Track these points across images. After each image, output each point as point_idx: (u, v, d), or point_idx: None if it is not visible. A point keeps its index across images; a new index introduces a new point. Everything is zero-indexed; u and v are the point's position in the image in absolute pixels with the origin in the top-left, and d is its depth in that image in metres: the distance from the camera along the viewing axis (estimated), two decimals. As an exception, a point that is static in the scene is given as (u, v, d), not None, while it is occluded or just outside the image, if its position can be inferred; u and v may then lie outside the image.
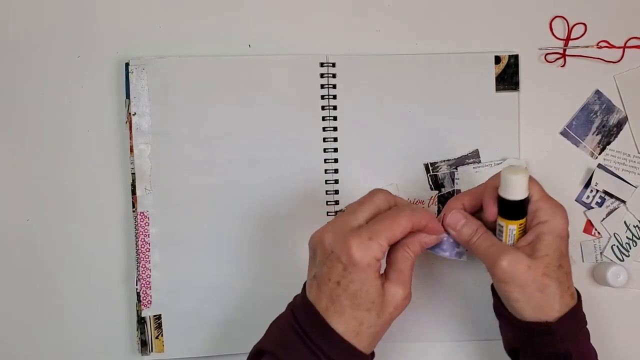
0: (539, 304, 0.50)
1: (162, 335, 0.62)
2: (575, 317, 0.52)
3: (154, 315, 0.61)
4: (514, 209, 0.51)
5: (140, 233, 0.61)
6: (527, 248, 0.51)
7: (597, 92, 0.65)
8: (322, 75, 0.63)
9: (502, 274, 0.50)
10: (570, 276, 0.52)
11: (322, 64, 0.63)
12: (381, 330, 0.50)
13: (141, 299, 0.61)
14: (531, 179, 0.52)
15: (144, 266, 0.61)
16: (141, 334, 0.61)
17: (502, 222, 0.52)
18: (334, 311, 0.48)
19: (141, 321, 0.61)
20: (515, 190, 0.50)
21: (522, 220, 0.52)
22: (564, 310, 0.50)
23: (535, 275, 0.49)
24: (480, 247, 0.52)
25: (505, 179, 0.50)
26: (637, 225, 0.64)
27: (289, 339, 0.49)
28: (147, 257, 0.61)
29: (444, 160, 0.63)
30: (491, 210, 0.53)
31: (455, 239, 0.54)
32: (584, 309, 0.65)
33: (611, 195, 0.64)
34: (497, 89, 0.64)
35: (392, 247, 0.52)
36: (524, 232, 0.53)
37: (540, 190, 0.53)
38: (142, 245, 0.61)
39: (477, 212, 0.55)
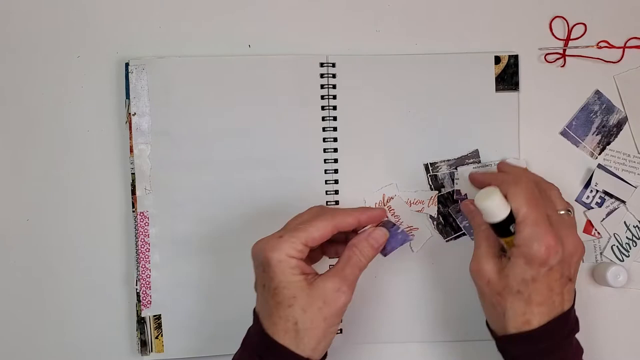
0: (489, 315, 0.54)
1: (161, 336, 0.62)
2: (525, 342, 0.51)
3: (154, 315, 0.61)
4: (496, 229, 0.52)
5: (140, 233, 0.61)
6: (505, 262, 0.52)
7: (597, 92, 0.65)
8: (322, 76, 0.63)
9: (470, 273, 0.54)
10: (534, 306, 0.50)
11: (322, 64, 0.63)
12: (317, 329, 0.49)
13: (141, 299, 0.61)
14: (516, 198, 0.51)
15: (143, 266, 0.61)
16: (141, 334, 0.61)
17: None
18: (264, 314, 0.50)
19: (141, 321, 0.61)
20: (489, 215, 0.51)
21: (509, 238, 0.51)
22: (508, 332, 0.51)
23: (491, 291, 0.52)
24: (476, 240, 0.55)
25: (478, 206, 0.51)
26: (637, 226, 0.64)
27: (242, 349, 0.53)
28: (146, 257, 0.61)
29: (444, 161, 0.63)
30: None
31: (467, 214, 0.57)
32: (584, 309, 0.65)
33: (611, 196, 0.64)
34: (497, 89, 0.64)
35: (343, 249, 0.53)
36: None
37: (527, 213, 0.50)
38: (142, 245, 0.61)
39: None
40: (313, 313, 0.49)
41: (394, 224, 0.55)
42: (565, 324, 0.52)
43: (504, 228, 0.51)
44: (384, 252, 0.55)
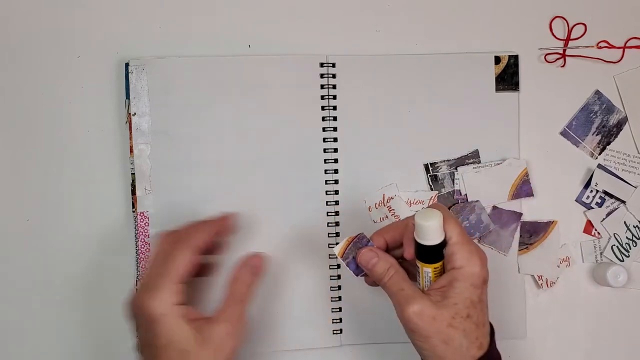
0: (442, 356, 0.48)
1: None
2: None
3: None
4: (428, 253, 0.49)
5: (140, 233, 0.61)
6: (438, 293, 0.49)
7: (597, 92, 0.65)
8: (322, 76, 0.63)
9: (407, 322, 0.48)
10: (481, 326, 0.49)
11: (322, 64, 0.63)
12: None
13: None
14: (451, 221, 0.49)
15: (143, 266, 0.61)
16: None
17: (418, 263, 0.50)
18: None
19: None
20: (428, 236, 0.48)
21: (438, 264, 0.50)
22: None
23: (439, 327, 0.47)
24: (390, 289, 0.50)
25: (417, 225, 0.48)
26: (637, 226, 0.64)
27: None
28: (146, 257, 0.61)
29: (444, 161, 0.63)
30: (409, 250, 0.51)
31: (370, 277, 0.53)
32: (585, 309, 0.65)
33: (611, 196, 0.64)
34: (497, 89, 0.64)
35: (228, 281, 0.51)
36: (440, 274, 0.50)
37: (460, 233, 0.49)
38: (142, 246, 0.61)
39: (400, 246, 0.53)
40: None
41: (369, 240, 0.53)
42: (495, 341, 0.51)
43: (438, 252, 0.49)
44: (357, 273, 0.53)
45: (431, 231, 0.48)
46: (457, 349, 0.47)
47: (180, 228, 0.53)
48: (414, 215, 0.49)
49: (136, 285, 0.61)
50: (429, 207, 0.52)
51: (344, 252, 0.53)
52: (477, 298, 0.48)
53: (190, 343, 0.47)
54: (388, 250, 0.53)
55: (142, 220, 0.61)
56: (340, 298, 0.62)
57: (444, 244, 0.49)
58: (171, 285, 0.47)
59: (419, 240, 0.49)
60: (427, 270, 0.50)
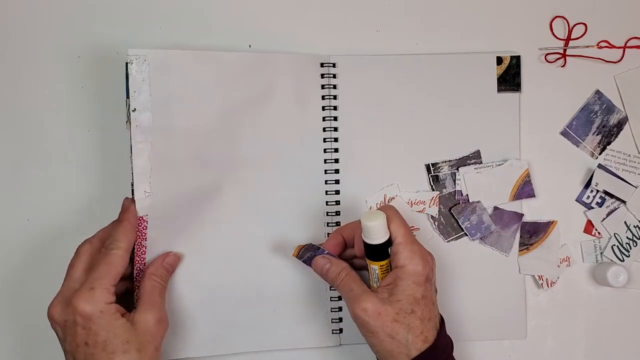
0: (389, 349, 0.51)
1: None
2: None
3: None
4: (373, 251, 0.54)
5: (138, 237, 0.59)
6: (385, 290, 0.53)
7: (597, 92, 0.65)
8: (322, 76, 0.63)
9: (356, 319, 0.53)
10: (426, 321, 0.52)
11: (322, 64, 0.63)
12: None
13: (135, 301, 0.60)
14: (396, 222, 0.54)
15: (138, 269, 0.59)
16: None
17: (367, 261, 0.55)
18: None
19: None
20: (372, 235, 0.53)
21: (384, 262, 0.54)
22: (412, 355, 0.51)
23: (384, 322, 0.51)
24: (342, 290, 0.55)
25: (362, 225, 0.53)
26: (637, 226, 0.64)
27: None
28: (142, 259, 0.59)
29: (445, 161, 0.63)
30: (359, 248, 0.56)
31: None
32: (585, 309, 0.65)
33: (611, 196, 0.64)
34: (499, 90, 0.64)
35: (141, 278, 0.57)
36: (387, 271, 0.54)
37: (405, 233, 0.54)
38: (139, 249, 0.59)
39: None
40: (147, 349, 0.51)
41: (319, 247, 0.58)
42: (445, 331, 0.54)
43: (383, 250, 0.53)
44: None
45: (375, 231, 0.53)
46: (402, 343, 0.51)
47: (102, 232, 0.57)
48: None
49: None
50: (378, 208, 0.58)
51: (299, 253, 0.58)
52: (420, 295, 0.52)
53: (130, 333, 0.51)
54: (345, 246, 0.59)
55: (140, 224, 0.59)
56: (340, 298, 0.62)
57: (388, 243, 0.53)
58: (107, 286, 0.51)
59: (364, 239, 0.53)
60: (375, 268, 0.54)
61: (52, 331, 0.61)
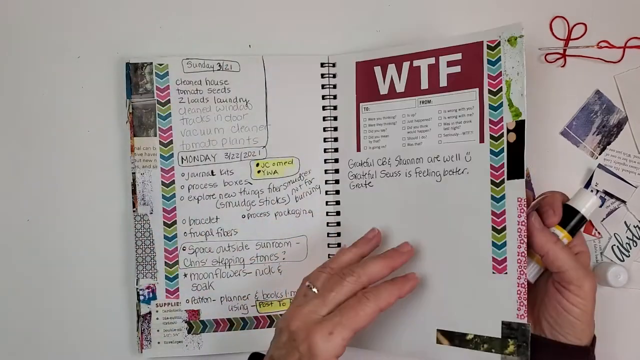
0: (589, 331, 0.52)
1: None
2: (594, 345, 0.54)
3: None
4: (578, 223, 0.54)
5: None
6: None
7: (597, 92, 0.65)
8: (322, 76, 0.63)
9: (583, 293, 0.51)
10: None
11: (322, 64, 0.63)
12: None
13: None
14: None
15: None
16: (141, 333, 0.61)
17: (559, 231, 0.54)
18: None
19: (141, 320, 0.61)
20: (588, 209, 0.54)
21: (570, 238, 0.54)
22: (591, 338, 0.53)
23: (593, 306, 0.52)
24: (564, 257, 0.52)
25: (583, 192, 0.54)
26: (637, 226, 0.64)
27: None
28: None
29: (445, 161, 0.63)
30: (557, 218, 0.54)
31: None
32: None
33: (611, 196, 0.64)
34: (499, 90, 0.64)
35: None
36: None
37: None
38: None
39: None
40: None
41: None
42: None
43: (577, 227, 0.55)
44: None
45: (590, 205, 0.54)
46: (591, 324, 0.53)
47: (374, 263, 0.53)
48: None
49: (136, 284, 0.61)
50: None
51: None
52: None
53: None
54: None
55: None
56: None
57: (582, 222, 0.54)
58: (347, 336, 0.48)
59: (573, 205, 0.54)
60: (565, 241, 0.53)
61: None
